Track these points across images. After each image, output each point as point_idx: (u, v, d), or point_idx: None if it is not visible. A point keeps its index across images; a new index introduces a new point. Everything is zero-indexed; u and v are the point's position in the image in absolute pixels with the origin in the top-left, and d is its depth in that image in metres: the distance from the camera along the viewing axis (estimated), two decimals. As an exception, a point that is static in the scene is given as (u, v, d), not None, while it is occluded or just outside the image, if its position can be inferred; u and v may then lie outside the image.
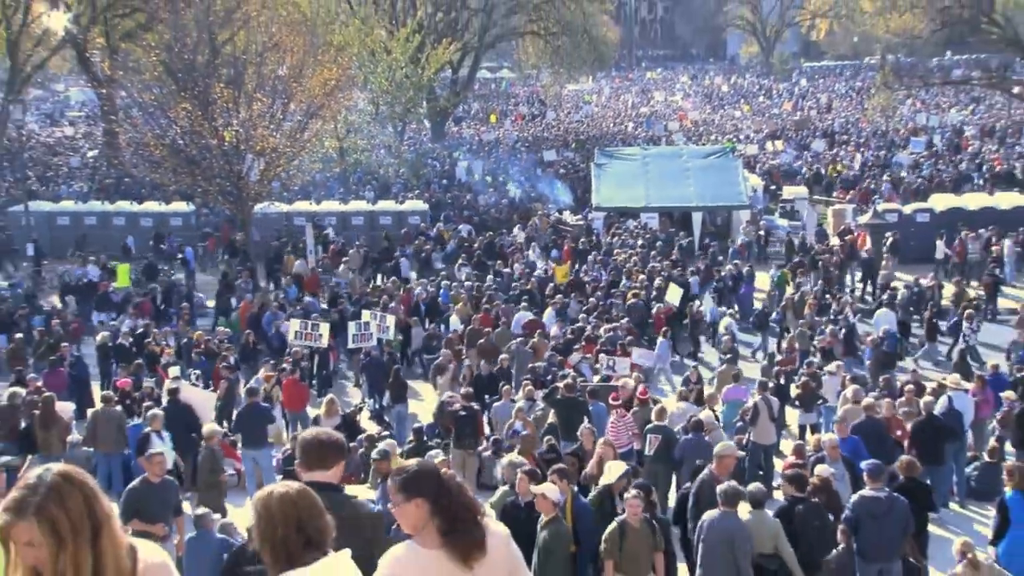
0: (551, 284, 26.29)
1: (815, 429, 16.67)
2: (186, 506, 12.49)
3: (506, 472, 11.13)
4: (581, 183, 39.75)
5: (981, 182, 38.50)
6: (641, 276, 25.98)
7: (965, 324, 21.99)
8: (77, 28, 41.03)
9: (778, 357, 20.29)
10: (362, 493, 12.22)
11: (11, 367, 20.58)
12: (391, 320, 21.84)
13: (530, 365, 18.98)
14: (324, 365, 22.02)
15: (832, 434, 13.40)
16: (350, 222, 34.68)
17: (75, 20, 40.83)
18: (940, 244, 28.82)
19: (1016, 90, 37.98)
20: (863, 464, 11.06)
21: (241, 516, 12.22)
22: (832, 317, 22.58)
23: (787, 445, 15.50)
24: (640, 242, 30.53)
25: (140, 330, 22.94)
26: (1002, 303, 25.93)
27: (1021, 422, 14.81)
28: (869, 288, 27.56)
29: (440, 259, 31.11)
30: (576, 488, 10.40)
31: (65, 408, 16.52)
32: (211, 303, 27.45)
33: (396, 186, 41.54)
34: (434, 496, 3.62)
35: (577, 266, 28.56)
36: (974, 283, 27.15)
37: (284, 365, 19.24)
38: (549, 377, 17.94)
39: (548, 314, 23.28)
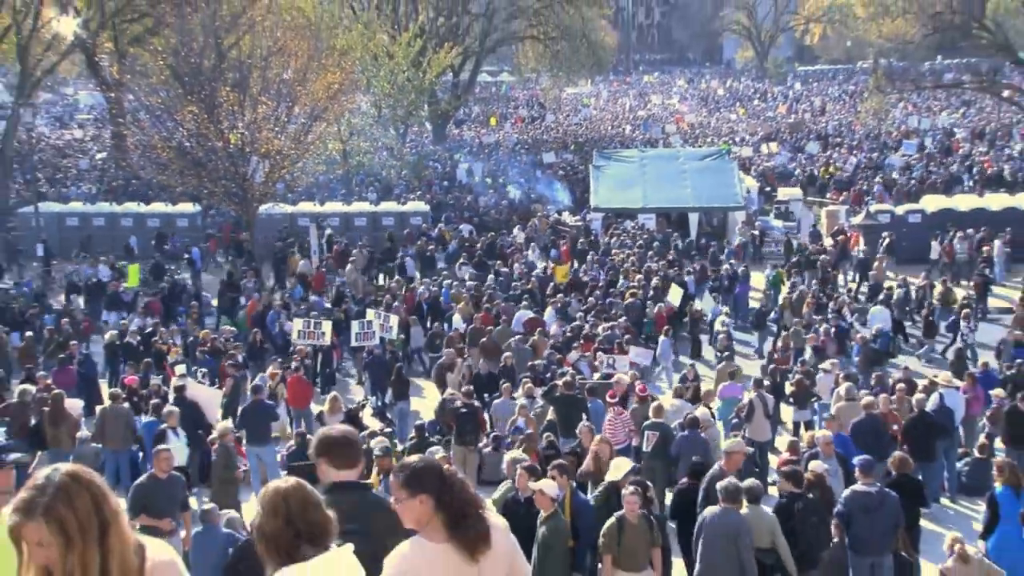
0: (551, 284, 26.31)
1: (809, 426, 16.67)
2: (192, 501, 12.52)
3: (508, 468, 11.14)
4: (580, 184, 39.74)
5: (971, 184, 38.52)
6: (638, 276, 25.98)
7: (963, 323, 22.02)
8: (86, 33, 41.01)
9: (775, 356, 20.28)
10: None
11: (22, 365, 20.59)
12: (394, 320, 21.86)
13: (529, 363, 18.99)
14: (328, 363, 22.02)
15: (826, 431, 13.40)
16: (353, 223, 34.66)
17: (84, 25, 40.81)
18: (935, 245, 28.86)
19: (1005, 93, 37.96)
20: (855, 460, 11.07)
21: (246, 512, 12.24)
22: (828, 316, 22.59)
23: (782, 441, 15.50)
24: (638, 242, 30.54)
25: (149, 329, 22.97)
26: (992, 302, 25.93)
27: (1011, 420, 14.80)
28: (864, 288, 27.56)
29: (442, 259, 31.13)
30: (575, 484, 10.39)
31: (74, 405, 16.52)
32: (215, 302, 27.47)
33: (398, 187, 41.53)
34: (438, 492, 3.62)
35: (576, 266, 28.57)
36: (964, 283, 27.20)
37: (294, 363, 19.28)
38: (548, 375, 17.95)
39: (548, 313, 23.30)
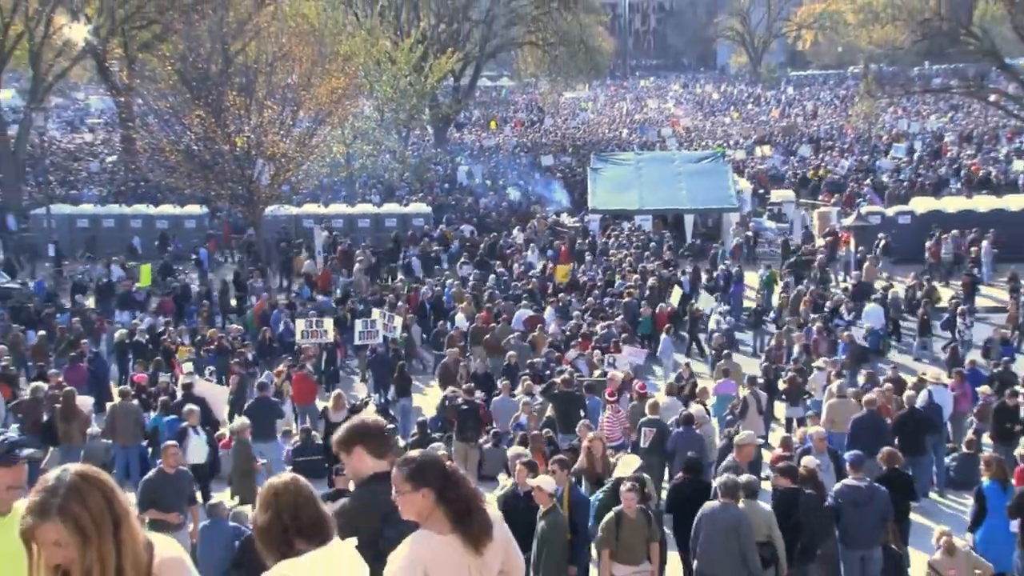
0: (551, 283, 26.32)
1: (801, 423, 16.67)
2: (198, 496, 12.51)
3: (510, 463, 11.17)
4: (578, 186, 39.75)
5: (959, 186, 38.54)
6: (635, 276, 26.00)
7: (959, 320, 22.05)
8: (96, 39, 41.02)
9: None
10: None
11: (34, 363, 20.59)
12: (398, 321, 21.91)
13: (529, 361, 19.01)
14: (332, 361, 22.03)
15: (819, 427, 13.42)
16: (356, 224, 34.65)
17: (95, 32, 40.81)
18: (954, 243, 28.97)
19: (992, 98, 38.01)
20: (846, 455, 11.10)
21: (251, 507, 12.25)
22: (823, 315, 22.61)
23: (775, 438, 15.50)
24: (634, 243, 30.55)
25: (160, 328, 23.00)
26: (979, 301, 25.94)
27: (998, 417, 14.83)
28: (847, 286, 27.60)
29: (447, 259, 31.16)
30: (574, 480, 10.39)
31: (85, 402, 16.53)
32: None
33: (401, 189, 41.55)
34: (440, 486, 3.62)
35: (574, 266, 28.57)
36: (953, 282, 27.24)
37: (309, 364, 19.33)
38: (547, 372, 17.97)
39: (548, 312, 23.31)
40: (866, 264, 27.18)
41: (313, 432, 16.01)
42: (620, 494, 9.39)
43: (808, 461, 10.93)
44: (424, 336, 23.86)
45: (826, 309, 23.19)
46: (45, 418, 15.78)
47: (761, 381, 16.48)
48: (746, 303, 26.15)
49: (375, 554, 3.62)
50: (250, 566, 3.79)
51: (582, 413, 15.30)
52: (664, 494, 12.17)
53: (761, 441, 14.27)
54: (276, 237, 32.18)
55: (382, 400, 20.00)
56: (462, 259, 29.67)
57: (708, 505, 9.35)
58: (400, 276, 29.25)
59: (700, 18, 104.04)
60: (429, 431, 15.85)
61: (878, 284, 25.86)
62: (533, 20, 56.47)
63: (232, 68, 30.76)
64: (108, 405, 16.59)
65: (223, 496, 13.04)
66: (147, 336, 22.42)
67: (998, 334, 20.87)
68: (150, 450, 15.26)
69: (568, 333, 21.37)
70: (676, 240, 32.40)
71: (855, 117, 52.90)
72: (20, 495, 3.62)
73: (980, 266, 27.88)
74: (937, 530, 10.09)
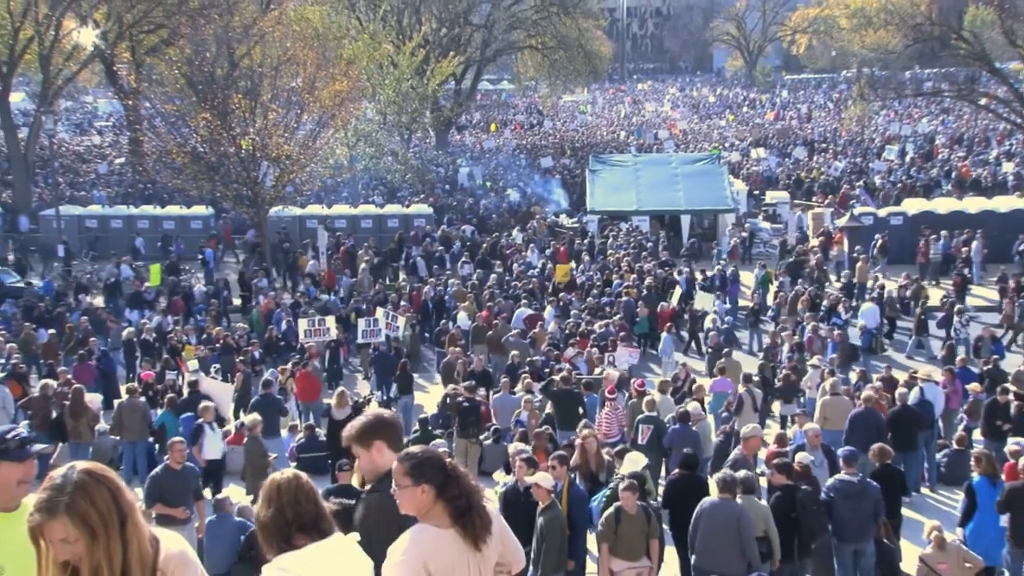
0: (551, 283, 26.32)
1: (792, 420, 16.68)
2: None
3: (510, 459, 11.17)
4: (576, 188, 39.75)
5: (950, 187, 38.55)
6: (632, 276, 26.01)
7: (956, 320, 22.07)
8: (105, 43, 41.00)
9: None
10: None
11: (44, 361, 20.61)
12: (402, 320, 21.92)
13: (528, 358, 19.02)
14: (335, 359, 22.04)
15: (814, 424, 13.43)
16: (359, 224, 34.66)
17: (103, 36, 40.78)
18: (943, 244, 29.01)
19: (982, 101, 37.97)
20: (840, 451, 11.12)
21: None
22: (820, 314, 22.62)
23: (770, 435, 15.49)
24: (632, 243, 30.56)
25: (169, 328, 23.02)
26: (969, 301, 25.94)
27: (989, 414, 14.85)
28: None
29: (450, 259, 31.20)
30: (573, 476, 10.39)
31: (93, 399, 16.55)
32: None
33: (402, 191, 41.56)
34: (440, 482, 3.62)
35: (573, 266, 28.57)
36: (946, 282, 27.25)
37: (315, 362, 19.36)
38: (547, 370, 17.97)
39: (548, 312, 23.31)
40: (858, 264, 27.19)
41: (318, 429, 16.02)
42: (618, 493, 9.39)
43: (802, 457, 10.94)
44: (426, 335, 23.85)
45: (823, 308, 23.19)
46: (54, 415, 15.80)
47: (757, 379, 16.48)
48: (742, 302, 26.16)
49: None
50: (256, 560, 3.78)
51: (581, 410, 15.31)
52: (661, 490, 12.18)
53: (764, 435, 14.26)
54: (277, 238, 32.17)
55: (384, 397, 20.00)
56: (463, 259, 29.69)
57: (707, 500, 9.36)
58: (404, 276, 29.24)
59: (696, 22, 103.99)
60: (430, 428, 15.86)
61: (872, 284, 25.86)
62: (533, 25, 56.45)
63: (237, 72, 30.76)
64: (116, 402, 16.61)
65: (229, 491, 13.07)
66: (154, 335, 22.46)
67: (988, 332, 20.89)
68: (157, 446, 15.26)
69: (567, 332, 21.39)
70: (673, 240, 32.41)
71: (848, 120, 52.93)
72: (30, 490, 3.62)
73: (971, 266, 27.90)
74: (928, 525, 10.11)
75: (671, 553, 10.58)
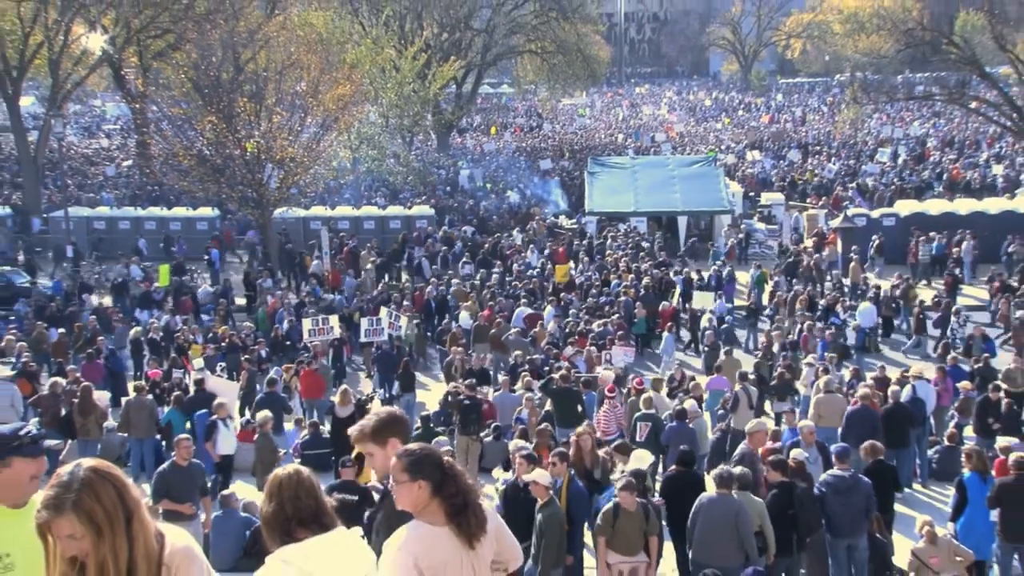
0: (552, 283, 26.32)
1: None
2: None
3: (511, 456, 11.16)
4: (575, 190, 39.75)
5: (941, 189, 38.55)
6: (630, 276, 26.01)
7: (953, 319, 22.08)
8: (113, 48, 41.02)
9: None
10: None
11: (54, 359, 20.62)
12: (404, 320, 21.92)
13: (528, 357, 19.02)
14: (338, 358, 22.06)
15: (808, 421, 13.42)
16: (362, 225, 34.67)
17: (111, 41, 40.80)
18: (931, 246, 29.00)
19: (973, 105, 37.99)
20: (832, 447, 11.13)
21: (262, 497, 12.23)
22: (815, 314, 22.59)
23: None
24: (630, 244, 30.56)
25: (178, 327, 23.03)
26: (960, 300, 25.95)
27: (981, 411, 14.87)
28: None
29: (452, 260, 31.23)
30: (572, 472, 10.38)
31: (101, 397, 16.55)
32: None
33: (404, 192, 41.57)
34: (437, 480, 3.61)
35: (572, 266, 28.58)
36: (936, 282, 27.26)
37: (322, 361, 19.38)
38: (546, 369, 17.97)
39: (548, 311, 23.31)
40: (851, 264, 27.19)
41: (321, 426, 16.02)
42: (615, 492, 9.38)
43: (797, 454, 10.94)
44: (428, 334, 23.86)
45: (821, 307, 23.19)
46: (63, 412, 15.80)
47: (752, 377, 16.48)
48: (738, 302, 26.16)
49: None
50: (260, 555, 3.79)
51: (579, 408, 15.31)
52: (658, 486, 12.18)
53: (770, 428, 14.26)
54: (278, 238, 32.15)
55: (386, 395, 20.01)
56: (463, 259, 29.70)
57: (705, 496, 9.36)
58: (405, 276, 29.24)
59: (693, 28, 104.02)
60: (432, 425, 15.85)
61: (864, 283, 25.87)
62: (532, 29, 56.44)
63: (243, 76, 30.76)
64: (123, 400, 16.62)
65: (236, 487, 13.07)
66: (161, 334, 22.46)
67: (979, 331, 20.89)
68: (164, 443, 15.27)
69: (567, 331, 21.39)
70: (670, 241, 32.42)
71: (842, 123, 52.96)
72: (40, 486, 3.63)
73: (962, 266, 27.91)
74: (920, 520, 10.11)
75: (668, 548, 10.58)
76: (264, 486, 3.57)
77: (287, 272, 30.83)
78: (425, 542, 3.55)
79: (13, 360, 19.91)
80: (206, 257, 31.30)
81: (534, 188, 41.72)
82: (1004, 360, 19.33)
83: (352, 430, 4.44)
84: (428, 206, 37.22)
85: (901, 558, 10.27)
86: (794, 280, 26.92)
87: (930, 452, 14.91)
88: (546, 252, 30.43)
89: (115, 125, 66.71)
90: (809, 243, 31.01)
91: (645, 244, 30.71)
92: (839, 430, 13.91)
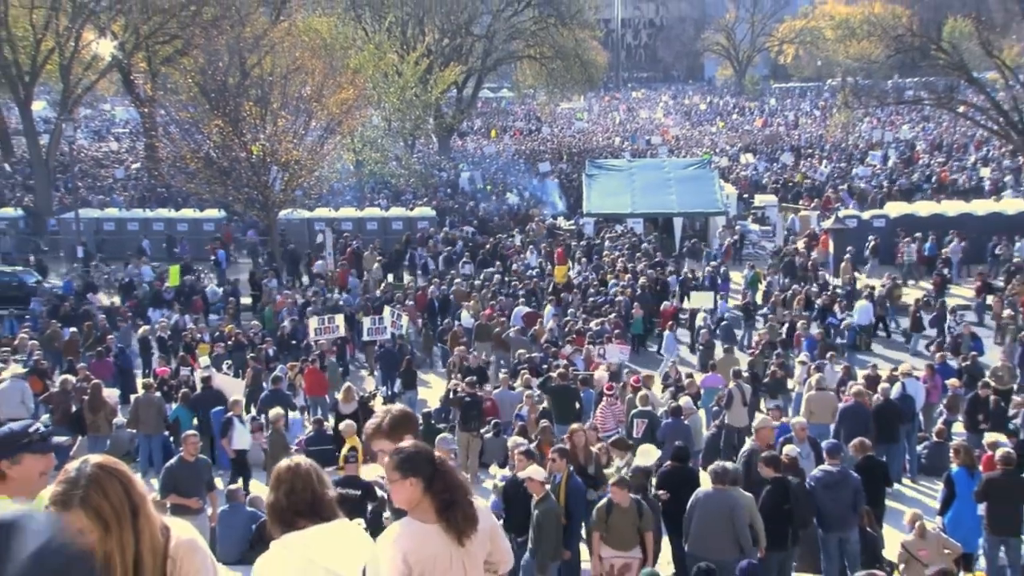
0: (551, 283, 26.32)
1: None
2: (218, 482, 12.51)
3: (510, 452, 11.16)
4: (573, 191, 39.74)
5: (930, 191, 38.54)
6: (627, 276, 26.00)
7: (949, 318, 22.09)
8: (122, 54, 41.01)
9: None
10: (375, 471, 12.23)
11: (64, 357, 20.61)
12: (405, 319, 21.92)
13: (527, 355, 19.02)
14: (342, 356, 22.04)
15: (800, 417, 13.43)
16: (365, 227, 34.67)
17: (120, 47, 40.79)
18: (913, 247, 29.01)
19: (961, 109, 37.99)
20: (824, 444, 11.13)
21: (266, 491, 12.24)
22: (809, 313, 22.59)
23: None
24: (627, 245, 30.56)
25: (189, 325, 23.03)
26: (949, 300, 25.94)
27: (971, 408, 14.88)
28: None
29: (455, 259, 31.22)
30: (572, 469, 10.37)
31: (111, 394, 16.55)
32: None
33: (406, 194, 41.55)
34: (428, 476, 3.61)
35: (571, 267, 28.58)
36: (924, 282, 27.28)
37: (332, 359, 19.38)
38: (545, 366, 17.96)
39: (548, 310, 23.30)
40: (842, 264, 27.19)
41: (325, 423, 16.02)
42: (608, 489, 9.37)
43: (789, 450, 10.95)
44: (430, 333, 23.85)
45: (817, 306, 23.20)
46: (74, 409, 15.80)
47: (746, 375, 16.48)
48: (732, 302, 26.13)
49: None
50: (266, 547, 3.79)
51: (577, 405, 15.31)
52: (654, 480, 12.18)
53: (775, 425, 14.23)
54: (280, 239, 32.16)
55: (389, 392, 20.01)
56: (464, 259, 29.70)
57: (701, 490, 9.35)
58: (408, 276, 29.24)
59: (688, 33, 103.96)
60: (433, 422, 15.86)
61: (852, 282, 25.85)
62: (532, 35, 56.44)
63: (248, 81, 30.76)
64: (132, 397, 16.61)
65: (254, 484, 13.09)
66: (169, 332, 22.45)
67: (967, 329, 20.90)
68: (171, 439, 15.27)
69: (565, 329, 21.39)
70: (666, 242, 32.42)
71: (834, 127, 52.90)
72: (48, 481, 3.63)
73: (950, 266, 27.92)
74: (909, 513, 10.11)
75: (664, 542, 10.58)
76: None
77: (291, 272, 30.81)
78: (415, 539, 3.56)
79: (25, 358, 19.90)
80: (212, 258, 31.30)
81: (533, 190, 41.71)
82: (993, 358, 19.37)
83: (367, 427, 4.44)
84: (430, 207, 37.20)
85: (891, 551, 10.27)
86: (788, 279, 26.88)
87: (919, 448, 14.92)
88: (543, 253, 30.43)
89: (124, 129, 66.67)
90: (800, 244, 31.00)
91: (644, 245, 30.67)
92: (831, 426, 13.94)
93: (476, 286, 26.02)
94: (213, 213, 35.19)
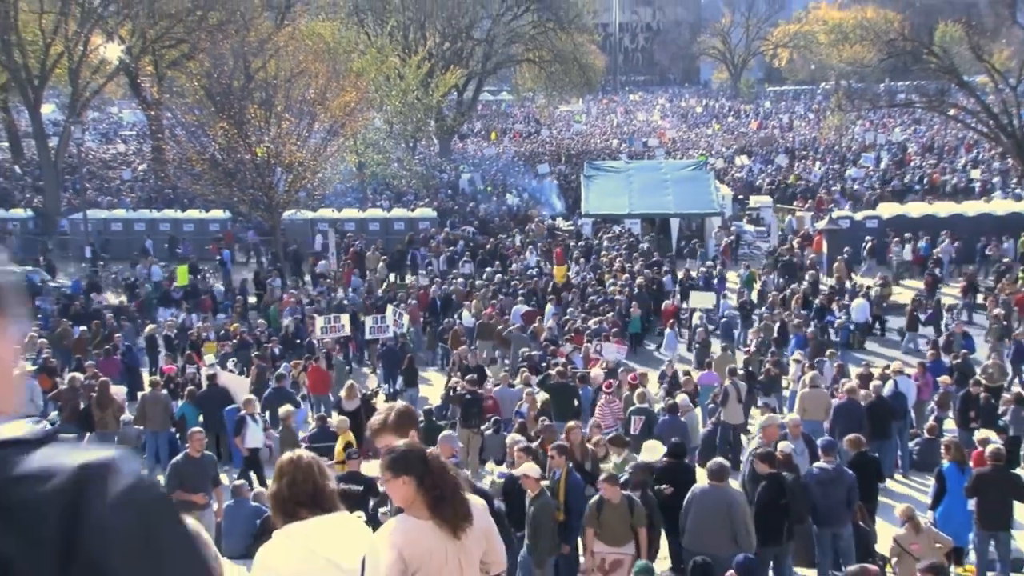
0: (551, 283, 26.31)
1: (776, 411, 16.65)
2: (224, 478, 12.50)
3: (508, 450, 11.15)
4: (572, 193, 39.72)
5: (922, 192, 38.54)
6: (624, 276, 25.99)
7: (946, 316, 22.10)
8: (129, 58, 41.02)
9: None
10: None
11: (73, 355, 20.60)
12: (406, 318, 21.93)
13: (527, 353, 19.02)
14: (344, 354, 22.03)
15: (794, 414, 13.43)
16: (367, 227, 34.65)
17: (128, 51, 40.80)
18: (908, 248, 29.05)
19: (951, 112, 37.99)
20: (819, 441, 11.14)
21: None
22: (805, 312, 22.58)
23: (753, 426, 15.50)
24: (624, 245, 30.55)
25: (197, 324, 23.01)
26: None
27: (963, 406, 14.89)
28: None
29: (457, 259, 31.20)
30: (571, 465, 10.37)
31: (118, 391, 16.54)
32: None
33: (408, 195, 41.53)
34: (420, 474, 3.62)
35: (569, 266, 28.54)
36: (914, 281, 27.26)
37: (340, 357, 19.39)
38: (544, 364, 17.96)
39: (548, 309, 23.29)
40: (835, 264, 27.19)
41: (328, 420, 16.01)
42: (598, 485, 9.33)
43: (783, 447, 10.95)
44: (433, 332, 23.85)
45: (815, 305, 23.19)
46: (82, 406, 15.79)
47: (741, 372, 16.48)
48: (729, 301, 26.14)
49: None
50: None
51: (575, 403, 15.30)
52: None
53: (781, 420, 14.23)
54: (282, 239, 32.12)
55: (391, 390, 19.99)
56: (464, 259, 29.69)
57: (698, 487, 9.34)
58: (414, 276, 29.25)
59: (684, 37, 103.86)
60: (434, 419, 15.85)
61: (849, 283, 25.85)
62: (531, 39, 56.40)
63: (253, 84, 30.74)
64: (139, 394, 16.61)
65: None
66: (175, 331, 22.45)
67: (959, 328, 20.90)
68: (178, 436, 15.26)
69: (565, 328, 21.38)
70: (663, 242, 32.40)
71: (827, 129, 52.85)
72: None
73: (941, 266, 27.91)
74: (899, 508, 10.11)
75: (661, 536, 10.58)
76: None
77: (294, 272, 30.78)
78: (409, 534, 3.59)
79: (34, 356, 19.89)
80: (217, 258, 31.29)
81: (532, 191, 41.68)
82: (983, 356, 19.37)
83: (372, 423, 4.44)
84: (431, 208, 37.20)
85: (884, 545, 10.27)
86: (786, 279, 26.86)
87: (911, 444, 14.92)
88: (541, 252, 30.43)
89: (131, 131, 66.66)
90: (795, 244, 30.98)
91: (643, 245, 30.65)
92: (825, 423, 13.94)
93: (477, 286, 26.02)
94: (218, 214, 35.17)
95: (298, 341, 22.23)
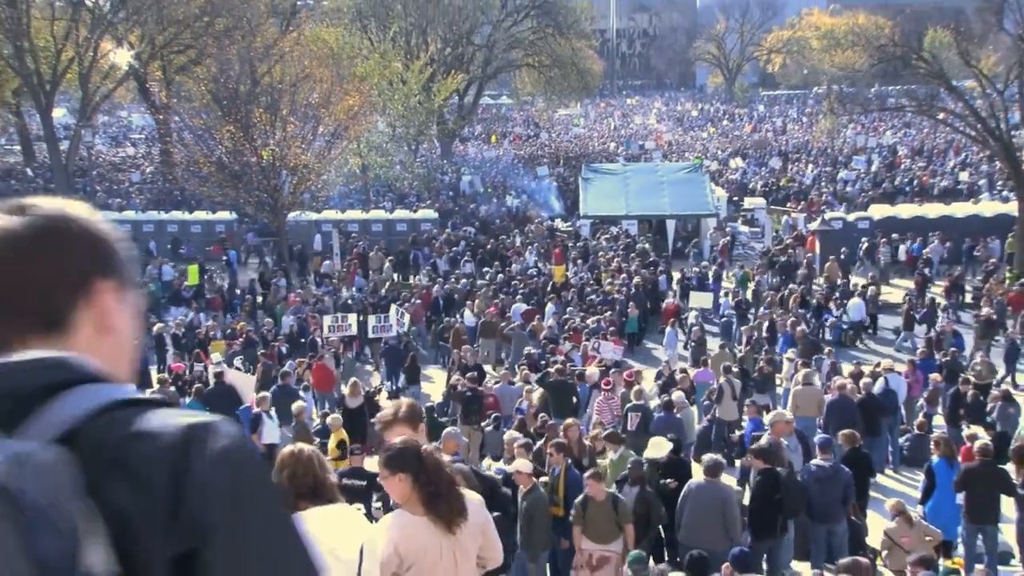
0: (550, 283, 26.29)
1: (770, 408, 16.63)
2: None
3: (506, 446, 11.13)
4: (570, 194, 39.71)
5: (912, 194, 38.53)
6: (621, 276, 25.98)
7: (941, 315, 22.09)
8: (138, 63, 41.02)
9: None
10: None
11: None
12: (407, 317, 21.92)
13: (527, 351, 19.00)
14: (348, 352, 22.01)
15: (787, 411, 13.40)
16: (370, 228, 34.64)
17: (137, 56, 40.81)
18: (903, 248, 29.05)
19: (941, 116, 37.95)
20: (816, 438, 11.12)
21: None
22: (802, 311, 22.57)
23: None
24: (621, 245, 30.54)
25: (206, 323, 22.99)
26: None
27: (953, 403, 14.88)
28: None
29: (459, 259, 31.20)
30: (570, 462, 10.34)
31: (127, 389, 16.50)
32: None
33: (410, 197, 41.53)
34: (415, 471, 3.61)
35: (567, 266, 28.54)
36: (905, 282, 27.23)
37: (338, 353, 19.36)
38: (543, 362, 17.94)
39: (548, 309, 23.26)
40: (828, 264, 27.17)
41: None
42: (583, 481, 9.25)
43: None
44: (436, 330, 23.81)
45: (812, 305, 23.17)
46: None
47: (736, 370, 16.46)
48: (722, 301, 26.11)
49: None
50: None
51: (574, 400, 15.29)
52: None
53: (789, 416, 14.17)
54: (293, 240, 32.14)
55: (393, 387, 19.98)
56: (464, 259, 29.69)
57: (693, 482, 9.33)
58: (419, 275, 29.26)
59: (680, 43, 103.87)
60: (436, 416, 15.85)
61: (841, 282, 25.82)
62: (530, 45, 56.38)
63: (259, 88, 30.74)
64: (147, 392, 16.56)
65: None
66: (183, 330, 22.43)
67: (949, 327, 20.89)
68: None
69: (564, 327, 21.37)
70: (659, 243, 32.40)
71: (819, 132, 52.87)
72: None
73: (931, 266, 27.91)
74: (890, 502, 10.11)
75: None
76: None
77: (300, 272, 30.79)
78: (404, 530, 3.60)
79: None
80: (224, 258, 31.28)
81: (532, 193, 41.67)
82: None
83: (383, 417, 4.42)
84: (432, 210, 37.19)
85: (875, 538, 10.27)
86: (781, 279, 26.83)
87: (901, 440, 14.91)
88: (539, 252, 30.41)
89: (140, 135, 66.61)
90: (788, 243, 30.95)
91: (640, 246, 30.63)
92: (817, 419, 13.92)
93: (478, 285, 26.01)
94: (224, 215, 35.16)
95: (302, 340, 22.23)
